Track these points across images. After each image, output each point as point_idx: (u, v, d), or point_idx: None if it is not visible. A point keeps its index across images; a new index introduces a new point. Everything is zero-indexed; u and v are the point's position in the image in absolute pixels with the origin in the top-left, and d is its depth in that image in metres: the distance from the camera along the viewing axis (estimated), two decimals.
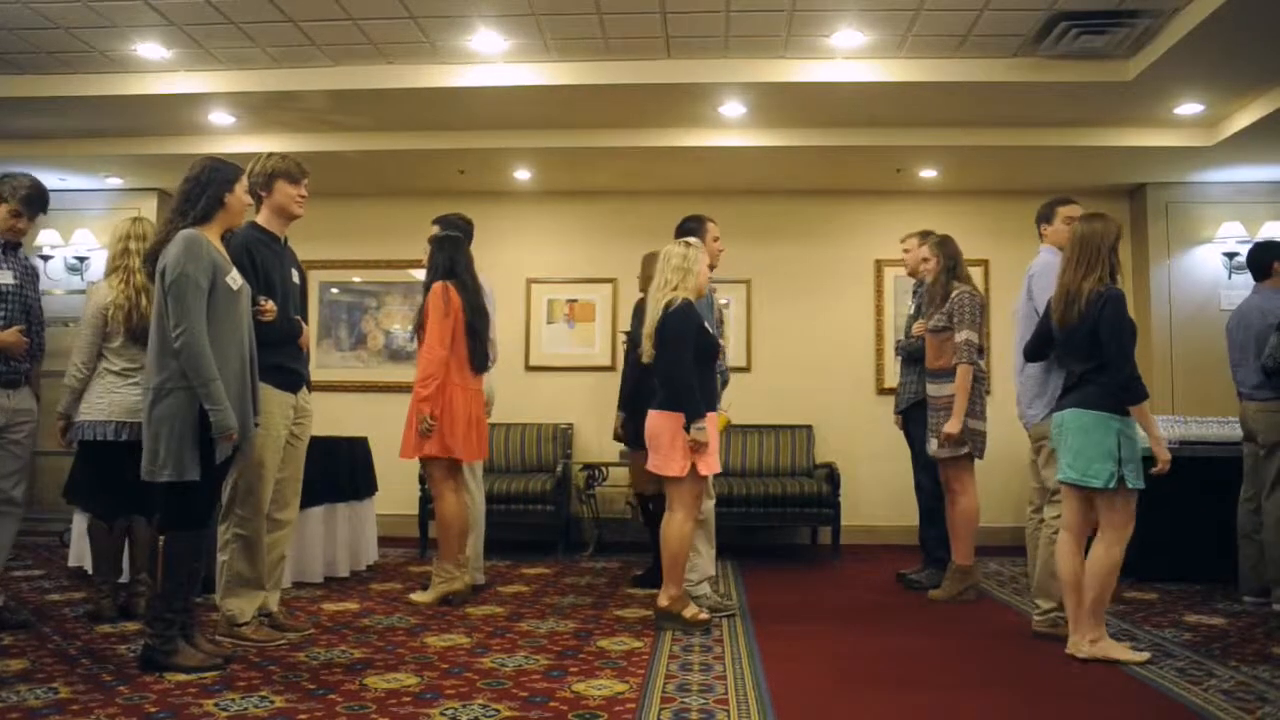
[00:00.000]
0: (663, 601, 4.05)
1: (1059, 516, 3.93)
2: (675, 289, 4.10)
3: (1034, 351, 3.97)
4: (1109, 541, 3.57)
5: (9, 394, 3.92)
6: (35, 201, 4.05)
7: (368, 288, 7.38)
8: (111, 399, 3.94)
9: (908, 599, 4.88)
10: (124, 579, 4.30)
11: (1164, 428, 4.40)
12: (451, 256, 4.66)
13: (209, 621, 3.78)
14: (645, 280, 5.26)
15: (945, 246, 4.98)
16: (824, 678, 3.40)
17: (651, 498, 4.97)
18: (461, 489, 4.71)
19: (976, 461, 4.90)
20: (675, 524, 4.03)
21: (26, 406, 4.00)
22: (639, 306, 4.92)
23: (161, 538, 3.36)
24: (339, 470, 5.29)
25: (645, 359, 4.13)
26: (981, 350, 4.87)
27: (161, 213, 7.23)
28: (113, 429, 3.92)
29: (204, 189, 3.36)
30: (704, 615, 4.09)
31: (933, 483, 5.10)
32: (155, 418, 3.21)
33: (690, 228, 4.64)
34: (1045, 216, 4.37)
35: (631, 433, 5.22)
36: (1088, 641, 3.58)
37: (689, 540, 4.08)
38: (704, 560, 4.41)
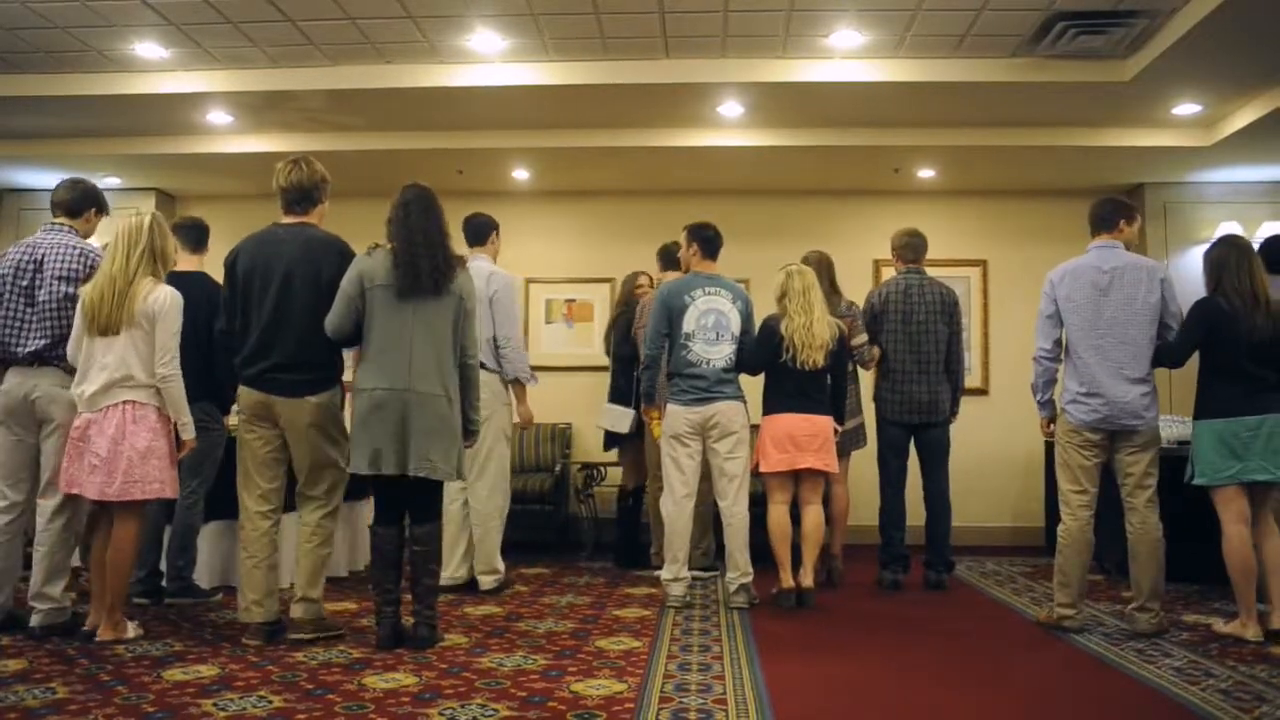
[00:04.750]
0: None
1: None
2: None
3: (1183, 359, 4.08)
4: None
5: None
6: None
7: None
8: None
9: (906, 599, 4.89)
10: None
11: (1164, 428, 4.40)
12: None
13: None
14: (630, 294, 5.36)
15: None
16: (823, 678, 3.41)
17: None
18: None
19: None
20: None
21: None
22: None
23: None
24: None
25: (818, 366, 4.54)
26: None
27: (161, 212, 7.21)
28: None
29: None
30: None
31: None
32: (451, 427, 3.68)
33: (710, 236, 4.67)
34: (1130, 216, 4.23)
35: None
36: None
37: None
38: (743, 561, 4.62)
